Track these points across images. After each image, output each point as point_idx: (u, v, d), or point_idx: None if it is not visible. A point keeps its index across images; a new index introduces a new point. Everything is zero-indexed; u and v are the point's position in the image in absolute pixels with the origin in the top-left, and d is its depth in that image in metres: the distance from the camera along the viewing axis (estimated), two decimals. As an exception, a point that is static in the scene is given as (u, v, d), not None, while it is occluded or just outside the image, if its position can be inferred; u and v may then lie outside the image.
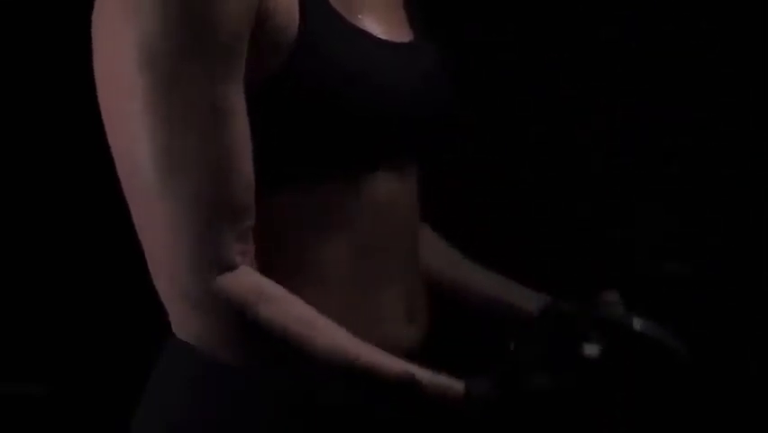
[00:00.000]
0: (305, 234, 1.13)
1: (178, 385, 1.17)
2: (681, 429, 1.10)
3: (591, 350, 1.05)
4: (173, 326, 1.09)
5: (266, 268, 1.10)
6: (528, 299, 1.39)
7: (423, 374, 1.09)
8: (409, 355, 1.22)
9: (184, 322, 1.07)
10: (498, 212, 2.13)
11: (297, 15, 1.09)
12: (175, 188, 1.03)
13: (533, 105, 2.13)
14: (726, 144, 2.04)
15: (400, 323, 1.21)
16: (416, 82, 1.18)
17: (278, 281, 1.08)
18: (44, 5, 2.21)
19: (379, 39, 1.17)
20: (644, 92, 2.09)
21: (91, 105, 1.12)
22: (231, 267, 1.05)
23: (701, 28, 2.05)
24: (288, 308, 1.06)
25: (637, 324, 1.07)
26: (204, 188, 1.04)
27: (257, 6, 1.06)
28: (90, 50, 1.10)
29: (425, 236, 1.39)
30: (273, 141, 1.08)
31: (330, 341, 1.07)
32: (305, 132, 1.10)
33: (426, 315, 1.27)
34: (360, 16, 1.17)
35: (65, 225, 2.29)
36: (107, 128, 1.09)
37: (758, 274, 2.00)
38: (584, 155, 2.10)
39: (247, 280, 1.05)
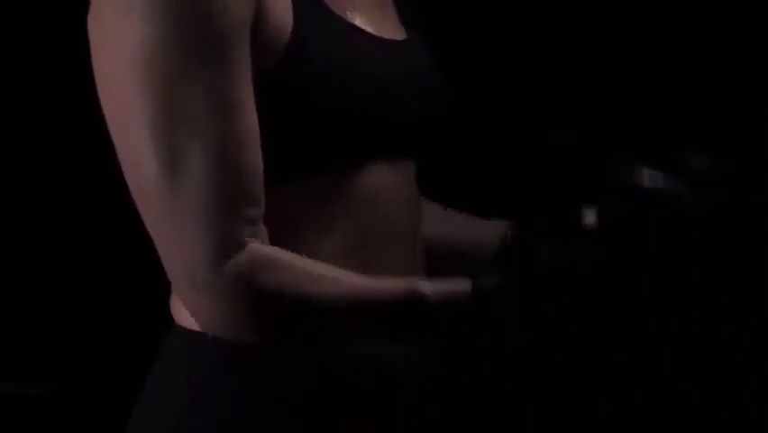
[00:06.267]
0: (302, 230, 1.13)
1: (179, 383, 1.17)
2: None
3: (590, 218, 1.02)
4: (192, 315, 1.09)
5: None
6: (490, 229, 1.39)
7: (426, 286, 1.08)
8: (410, 351, 1.22)
9: (198, 311, 1.07)
10: (495, 210, 2.13)
11: (290, 13, 1.10)
12: (182, 186, 1.04)
13: (526, 102, 2.13)
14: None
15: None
16: (407, 79, 1.19)
17: None
18: (44, 5, 2.21)
19: (372, 35, 1.18)
20: (642, 92, 2.09)
21: (92, 102, 1.11)
22: (239, 249, 1.05)
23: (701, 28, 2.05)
24: (285, 269, 1.06)
25: (645, 178, 1.03)
26: (210, 183, 1.04)
27: (254, 4, 1.06)
28: (88, 50, 1.10)
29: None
30: (267, 137, 1.08)
31: (331, 287, 1.07)
32: (298, 127, 1.10)
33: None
34: (350, 14, 1.17)
35: (62, 226, 2.29)
36: (110, 126, 1.08)
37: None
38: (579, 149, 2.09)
39: (249, 255, 1.05)
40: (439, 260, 1.37)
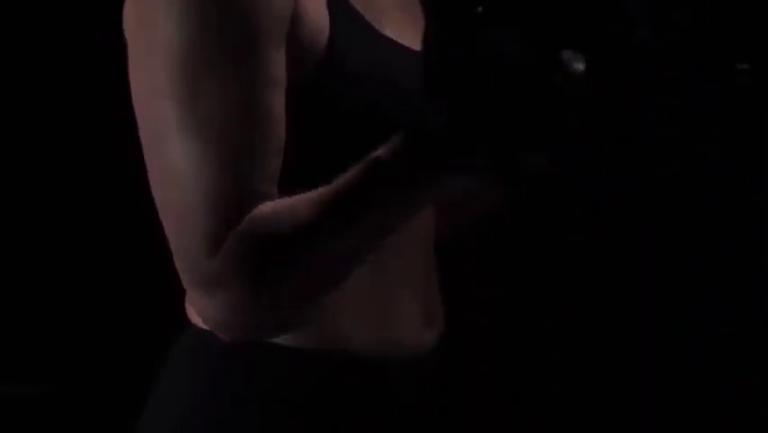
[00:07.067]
0: None
1: (183, 383, 1.17)
2: None
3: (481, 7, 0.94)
4: (199, 315, 1.08)
5: None
6: None
7: (378, 151, 1.03)
8: (426, 358, 1.22)
9: (206, 307, 1.06)
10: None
11: (326, 20, 1.09)
12: (200, 184, 1.03)
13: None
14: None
15: (418, 327, 1.20)
16: None
17: None
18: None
19: (401, 45, 1.17)
20: (647, 90, 2.08)
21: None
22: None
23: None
24: (268, 220, 1.03)
25: None
26: (224, 186, 1.03)
27: (291, 11, 1.06)
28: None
29: None
30: (296, 145, 1.08)
31: (309, 207, 1.03)
32: (328, 138, 1.10)
33: (442, 317, 1.27)
34: (380, 21, 1.17)
35: (63, 226, 2.29)
36: (139, 124, 1.08)
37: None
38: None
39: (239, 227, 1.03)
40: None
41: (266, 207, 1.04)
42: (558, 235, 2.13)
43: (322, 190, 1.03)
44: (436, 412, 1.24)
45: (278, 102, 1.05)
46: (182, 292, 1.12)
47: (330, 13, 1.09)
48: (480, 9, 0.92)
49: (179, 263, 1.06)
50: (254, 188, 1.04)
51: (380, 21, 1.17)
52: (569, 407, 2.17)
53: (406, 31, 1.21)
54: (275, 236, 1.03)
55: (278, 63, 1.05)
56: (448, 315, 1.29)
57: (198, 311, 1.07)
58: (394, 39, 1.17)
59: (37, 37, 2.24)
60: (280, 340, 1.13)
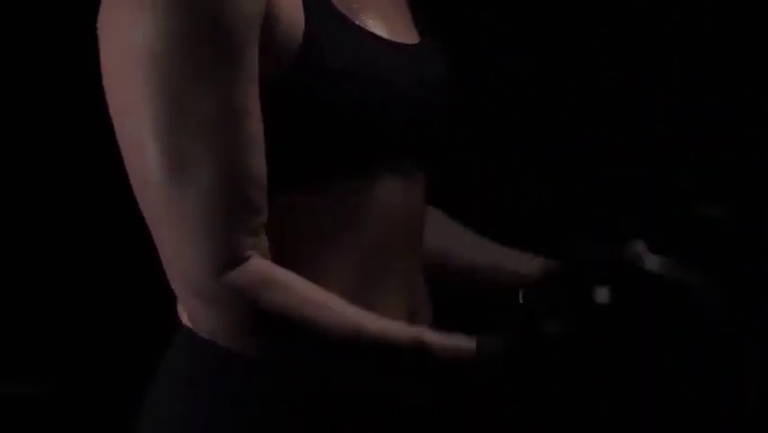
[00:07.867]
0: (308, 234, 1.13)
1: (182, 383, 1.17)
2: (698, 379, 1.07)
3: (602, 295, 1.01)
4: (190, 320, 1.09)
5: None
6: (532, 265, 1.38)
7: (432, 337, 1.09)
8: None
9: (198, 317, 1.08)
10: (504, 213, 2.13)
11: (302, 17, 1.09)
12: (184, 189, 1.03)
13: (535, 106, 2.13)
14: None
15: (402, 320, 1.20)
16: (419, 84, 1.18)
17: None
18: (50, 3, 2.21)
19: (383, 39, 1.17)
20: (645, 92, 2.08)
21: (99, 103, 1.11)
22: (242, 261, 1.05)
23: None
24: (293, 291, 1.06)
25: (652, 263, 1.02)
26: (213, 187, 1.03)
27: (264, 7, 1.06)
28: (96, 47, 1.10)
29: (435, 218, 1.39)
30: (276, 142, 1.08)
31: (337, 318, 1.07)
32: (309, 134, 1.10)
33: (427, 309, 1.27)
34: (363, 17, 1.16)
35: (62, 226, 2.29)
36: (116, 126, 1.08)
37: None
38: (588, 151, 2.10)
39: (255, 269, 1.05)
40: (456, 281, 1.39)
41: (287, 277, 1.07)
42: (551, 233, 2.13)
43: (355, 318, 1.08)
44: (436, 412, 1.24)
45: (255, 101, 1.06)
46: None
47: (306, 10, 1.09)
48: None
49: (172, 273, 1.07)
50: (247, 195, 1.05)
51: (364, 17, 1.16)
52: (569, 407, 2.16)
53: (395, 26, 1.21)
54: (292, 325, 1.06)
55: (254, 61, 1.05)
56: (435, 311, 1.29)
57: (189, 313, 1.08)
58: (381, 35, 1.16)
59: (37, 37, 2.24)
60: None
